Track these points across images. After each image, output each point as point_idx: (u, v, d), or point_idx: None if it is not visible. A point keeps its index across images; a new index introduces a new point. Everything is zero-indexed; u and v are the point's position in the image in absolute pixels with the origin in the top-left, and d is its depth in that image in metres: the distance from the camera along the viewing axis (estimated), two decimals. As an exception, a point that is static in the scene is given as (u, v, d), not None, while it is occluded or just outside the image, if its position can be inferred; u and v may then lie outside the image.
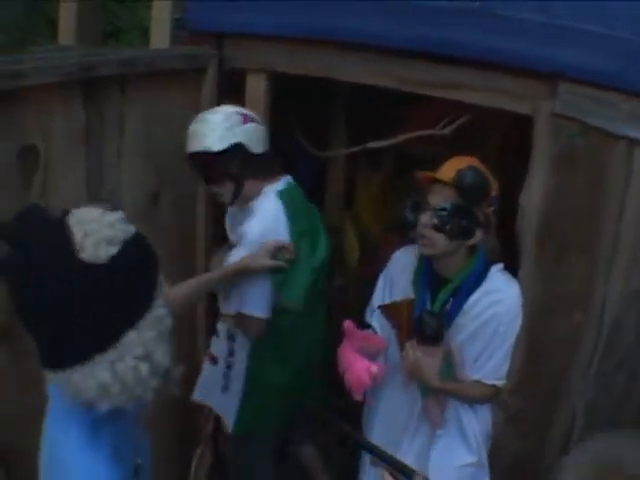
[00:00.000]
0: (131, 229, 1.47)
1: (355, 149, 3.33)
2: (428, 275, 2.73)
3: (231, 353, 3.06)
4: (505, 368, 2.62)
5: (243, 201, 2.88)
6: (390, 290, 2.86)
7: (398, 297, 2.77)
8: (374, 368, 2.60)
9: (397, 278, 2.85)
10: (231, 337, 3.02)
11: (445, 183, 2.52)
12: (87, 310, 1.40)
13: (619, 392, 2.48)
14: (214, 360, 3.13)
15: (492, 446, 2.73)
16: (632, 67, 2.25)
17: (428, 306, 2.69)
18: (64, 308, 1.40)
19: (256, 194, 2.86)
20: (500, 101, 2.58)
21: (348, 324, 2.67)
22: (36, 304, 1.42)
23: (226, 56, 3.14)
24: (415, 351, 2.59)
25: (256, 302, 2.81)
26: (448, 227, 2.52)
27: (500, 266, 2.67)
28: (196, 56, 3.06)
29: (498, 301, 2.60)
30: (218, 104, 3.12)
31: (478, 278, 2.63)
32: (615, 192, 2.34)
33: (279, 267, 2.75)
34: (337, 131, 4.12)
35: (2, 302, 2.40)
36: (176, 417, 3.38)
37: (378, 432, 2.87)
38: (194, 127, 2.74)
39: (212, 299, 3.23)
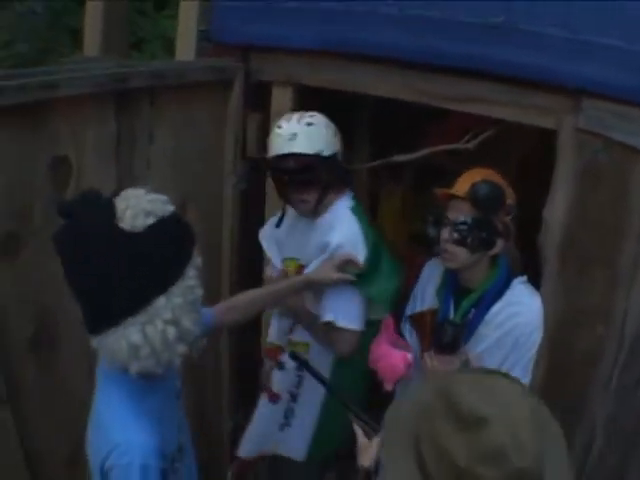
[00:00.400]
0: (170, 208, 1.67)
1: (379, 162, 3.33)
2: (452, 285, 2.75)
3: (299, 384, 3.03)
4: (526, 381, 2.62)
5: (314, 212, 2.87)
6: (421, 300, 2.89)
7: (425, 307, 2.81)
8: (409, 356, 2.62)
9: (426, 289, 2.88)
10: (301, 365, 2.88)
11: (461, 198, 2.55)
12: (122, 274, 1.56)
13: (639, 407, 2.46)
14: (275, 397, 3.10)
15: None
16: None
17: (451, 315, 2.71)
18: (103, 273, 1.56)
19: (328, 206, 2.86)
20: (524, 116, 2.59)
21: (389, 319, 2.70)
22: (80, 270, 1.58)
23: (252, 68, 3.17)
24: (433, 360, 2.59)
25: (352, 315, 2.80)
26: (469, 240, 2.56)
27: (523, 278, 2.69)
28: (223, 68, 3.10)
29: (519, 313, 2.62)
30: (244, 117, 3.20)
31: (501, 289, 2.65)
32: (638, 207, 2.34)
33: (345, 280, 2.72)
34: (360, 144, 4.10)
35: (31, 313, 2.48)
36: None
37: None
38: (295, 128, 2.70)
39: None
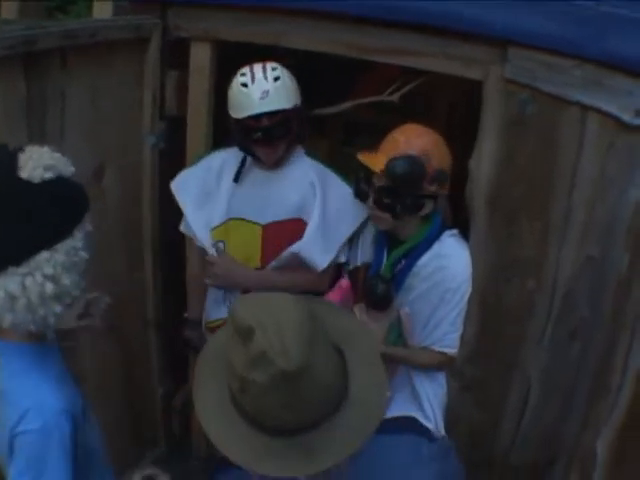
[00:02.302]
0: (70, 169, 1.70)
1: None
2: (385, 237, 2.72)
3: None
4: (455, 336, 2.62)
5: (277, 164, 2.87)
6: (361, 249, 2.88)
7: (364, 252, 2.83)
8: (344, 282, 2.65)
9: (366, 237, 2.86)
10: None
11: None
12: (11, 222, 1.60)
13: (573, 361, 2.47)
14: None
15: (448, 415, 2.72)
16: (584, 32, 2.21)
17: (384, 263, 2.69)
18: None
19: (288, 156, 2.86)
20: (450, 67, 2.53)
21: (345, 282, 2.70)
22: None
23: (170, 25, 3.07)
24: (362, 314, 2.58)
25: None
26: (389, 207, 2.52)
27: (454, 231, 2.66)
28: (139, 26, 2.97)
29: (445, 266, 2.60)
30: (162, 74, 3.10)
31: (431, 241, 2.63)
32: (567, 158, 2.31)
33: None
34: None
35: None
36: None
37: None
38: (264, 85, 2.64)
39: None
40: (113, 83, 2.92)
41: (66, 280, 1.65)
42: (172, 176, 3.04)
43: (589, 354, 2.42)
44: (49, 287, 1.62)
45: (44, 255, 1.61)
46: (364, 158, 2.55)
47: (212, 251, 3.00)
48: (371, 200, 2.56)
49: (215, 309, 3.12)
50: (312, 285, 2.89)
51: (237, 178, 2.90)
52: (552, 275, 2.43)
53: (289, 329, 1.31)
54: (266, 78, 2.64)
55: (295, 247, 2.84)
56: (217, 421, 1.43)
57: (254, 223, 2.92)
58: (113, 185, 3.04)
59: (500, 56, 2.36)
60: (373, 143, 2.63)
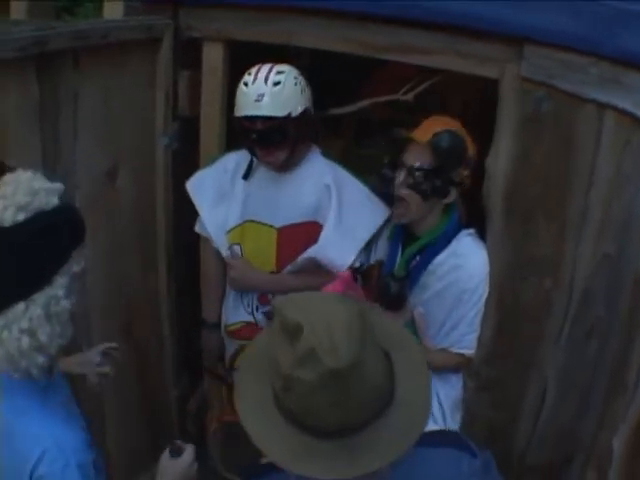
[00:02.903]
0: (53, 201, 1.55)
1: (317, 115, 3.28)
2: (401, 233, 2.75)
3: None
4: (473, 337, 2.63)
5: (288, 165, 2.86)
6: (374, 249, 2.91)
7: (378, 249, 2.86)
8: (342, 273, 2.62)
9: (382, 235, 2.89)
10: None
11: (422, 144, 2.52)
12: None
13: (590, 360, 2.47)
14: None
15: (465, 416, 2.72)
16: (600, 30, 2.21)
17: (397, 261, 2.71)
18: None
19: (300, 159, 2.87)
20: (465, 65, 2.55)
21: (347, 273, 2.66)
22: None
23: (181, 25, 3.09)
24: None
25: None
26: (423, 186, 2.54)
27: (471, 230, 2.69)
28: (151, 26, 2.99)
29: (461, 266, 2.62)
30: (174, 75, 3.12)
31: (447, 239, 2.64)
32: (584, 156, 2.31)
33: None
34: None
35: None
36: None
37: None
38: (262, 88, 2.64)
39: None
40: (125, 84, 2.94)
41: (43, 334, 1.56)
42: (186, 177, 3.07)
43: (605, 352, 2.41)
44: (25, 341, 1.54)
45: (20, 307, 1.53)
46: (406, 133, 2.60)
47: (227, 253, 3.02)
48: (401, 179, 2.58)
49: (234, 312, 3.14)
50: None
51: (246, 176, 2.92)
52: (569, 273, 2.43)
53: (338, 327, 1.30)
54: (266, 81, 2.65)
55: (311, 251, 2.85)
56: (258, 420, 1.42)
57: (269, 226, 2.93)
58: (126, 186, 3.05)
59: (516, 54, 2.37)
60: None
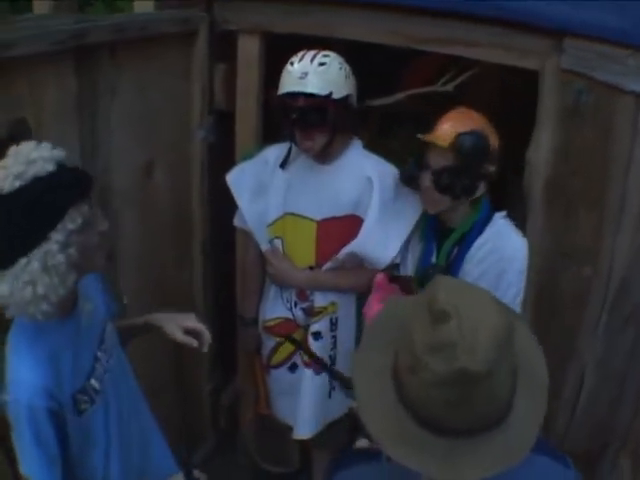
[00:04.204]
0: (49, 168, 1.74)
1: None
2: (434, 226, 2.79)
3: (334, 344, 3.10)
4: None
5: (327, 156, 2.90)
6: (410, 247, 2.91)
7: (407, 250, 2.88)
8: (379, 277, 2.64)
9: (414, 231, 2.90)
10: (333, 326, 3.04)
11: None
12: None
13: (627, 348, 2.55)
14: (322, 365, 3.11)
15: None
16: (638, 22, 2.29)
17: (434, 257, 2.75)
18: None
19: (340, 151, 2.90)
20: (506, 57, 2.62)
21: (380, 277, 2.69)
22: None
23: (217, 18, 3.14)
24: None
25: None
26: (449, 188, 2.57)
27: (504, 213, 2.72)
28: (187, 19, 3.06)
29: (500, 247, 2.65)
30: (210, 68, 3.17)
31: (482, 225, 2.68)
32: (622, 147, 2.39)
33: None
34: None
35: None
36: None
37: None
38: (307, 67, 2.70)
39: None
40: (161, 77, 3.00)
41: (42, 285, 1.76)
42: (221, 171, 3.11)
43: (643, 340, 2.50)
44: (28, 291, 1.75)
45: (22, 262, 1.73)
46: (427, 137, 2.61)
47: (267, 247, 3.06)
48: (428, 181, 2.61)
49: (272, 307, 3.17)
50: (369, 285, 2.83)
51: (284, 164, 2.95)
52: (608, 262, 2.51)
53: (485, 330, 1.28)
54: (312, 61, 2.70)
55: (352, 246, 2.88)
56: (369, 388, 1.42)
57: (309, 219, 2.95)
58: (163, 180, 3.11)
59: (556, 46, 2.46)
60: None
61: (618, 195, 2.44)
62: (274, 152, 3.03)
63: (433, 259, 2.77)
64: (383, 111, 4.07)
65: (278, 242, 3.05)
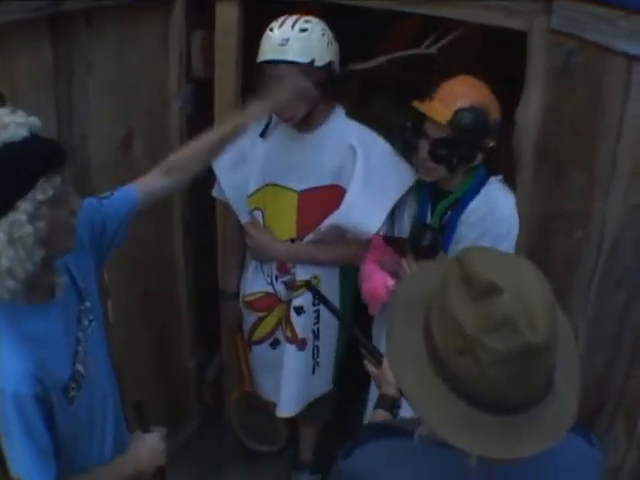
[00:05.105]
0: (22, 133, 1.65)
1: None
2: (429, 187, 2.79)
3: (317, 319, 3.07)
4: None
5: (309, 124, 2.86)
6: (398, 203, 2.89)
7: (402, 212, 2.88)
8: (390, 282, 2.66)
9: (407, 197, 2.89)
10: (316, 299, 2.96)
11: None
12: None
13: (619, 310, 2.58)
14: (302, 343, 3.12)
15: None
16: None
17: (429, 218, 2.76)
18: None
19: (322, 119, 2.86)
20: (492, 17, 2.59)
21: (377, 238, 2.73)
22: None
23: (194, -17, 3.08)
24: (412, 266, 2.65)
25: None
26: (445, 159, 2.59)
27: (499, 177, 2.74)
28: (163, -15, 3.01)
29: (495, 210, 2.69)
30: (188, 37, 3.13)
31: (477, 188, 2.71)
32: (613, 108, 2.39)
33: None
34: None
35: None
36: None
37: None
38: (287, 33, 2.66)
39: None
40: (138, 46, 2.96)
41: (7, 258, 1.67)
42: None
43: (634, 302, 2.52)
44: None
45: None
46: (425, 108, 2.60)
47: (246, 219, 3.04)
48: (424, 151, 2.62)
49: (252, 282, 3.17)
50: (353, 258, 2.90)
51: (264, 133, 2.91)
52: (599, 225, 2.52)
53: (538, 301, 1.27)
54: (293, 27, 2.66)
55: (335, 217, 2.85)
56: (410, 375, 1.40)
57: (290, 189, 2.93)
58: (141, 150, 3.09)
59: (545, 7, 2.44)
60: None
61: (609, 156, 2.44)
62: None
63: (428, 220, 2.78)
64: (363, 77, 4.05)
65: (258, 214, 3.03)
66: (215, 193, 3.16)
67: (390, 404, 1.99)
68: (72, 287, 2.00)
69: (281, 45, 2.65)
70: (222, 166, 2.99)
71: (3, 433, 1.79)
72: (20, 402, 1.74)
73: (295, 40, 2.65)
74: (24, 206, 1.65)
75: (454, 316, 1.29)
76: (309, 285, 2.87)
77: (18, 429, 1.75)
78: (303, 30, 2.67)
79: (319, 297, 2.72)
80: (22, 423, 1.75)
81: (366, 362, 2.22)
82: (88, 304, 2.06)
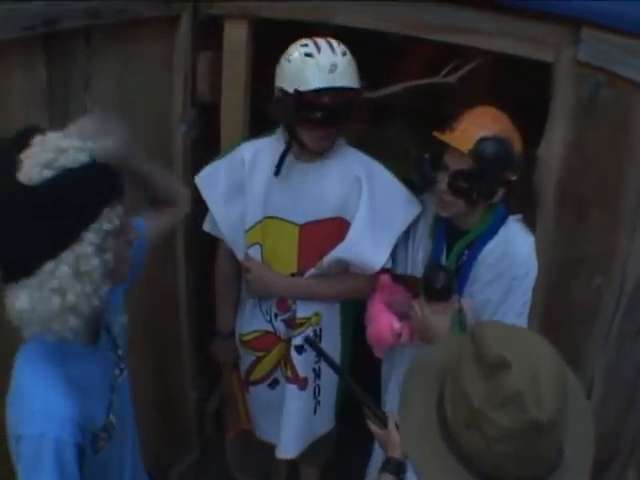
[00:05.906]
0: (82, 158, 1.55)
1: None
2: (445, 225, 2.70)
3: (318, 358, 2.94)
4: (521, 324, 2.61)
5: (311, 152, 2.72)
6: (412, 241, 2.81)
7: (417, 248, 2.78)
8: (397, 325, 2.59)
9: (418, 226, 2.80)
10: (317, 337, 2.91)
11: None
12: (12, 230, 1.52)
13: (638, 357, 2.53)
14: (304, 383, 3.02)
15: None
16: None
17: (443, 258, 2.68)
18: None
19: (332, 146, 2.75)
20: (519, 48, 2.51)
21: (384, 277, 2.65)
22: None
23: (201, 1, 3.01)
24: (423, 308, 2.54)
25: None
26: (465, 193, 2.49)
27: (519, 216, 2.64)
28: (169, 3, 2.92)
29: (512, 253, 2.58)
30: (193, 57, 3.06)
31: (496, 228, 2.61)
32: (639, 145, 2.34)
33: None
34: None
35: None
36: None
37: (392, 396, 2.87)
38: (332, 58, 2.50)
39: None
40: (141, 67, 2.87)
41: (73, 293, 1.57)
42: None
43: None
44: (55, 301, 1.56)
45: (49, 266, 1.54)
46: (446, 138, 2.50)
47: (243, 255, 2.93)
48: (444, 184, 2.52)
49: (250, 320, 3.04)
50: (357, 292, 2.83)
51: (278, 171, 2.74)
52: (621, 268, 2.46)
53: (545, 375, 1.28)
54: (333, 50, 2.52)
55: (339, 251, 2.75)
56: (422, 450, 1.42)
57: (291, 223, 2.81)
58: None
59: (573, 37, 2.37)
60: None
61: (634, 196, 2.38)
62: (249, 150, 2.84)
63: (442, 259, 2.69)
64: (375, 103, 4.01)
65: (257, 249, 2.90)
66: (207, 228, 3.02)
67: (397, 468, 1.94)
68: (108, 332, 1.91)
69: (330, 72, 2.50)
70: (216, 200, 2.87)
71: (28, 475, 1.64)
72: (61, 449, 1.60)
73: (342, 65, 2.52)
74: (90, 237, 1.57)
75: (464, 390, 1.33)
76: (309, 340, 2.80)
77: (49, 476, 1.60)
78: (345, 53, 2.56)
79: (319, 353, 2.66)
80: (57, 469, 1.61)
81: (369, 422, 2.16)
82: (120, 352, 1.97)
